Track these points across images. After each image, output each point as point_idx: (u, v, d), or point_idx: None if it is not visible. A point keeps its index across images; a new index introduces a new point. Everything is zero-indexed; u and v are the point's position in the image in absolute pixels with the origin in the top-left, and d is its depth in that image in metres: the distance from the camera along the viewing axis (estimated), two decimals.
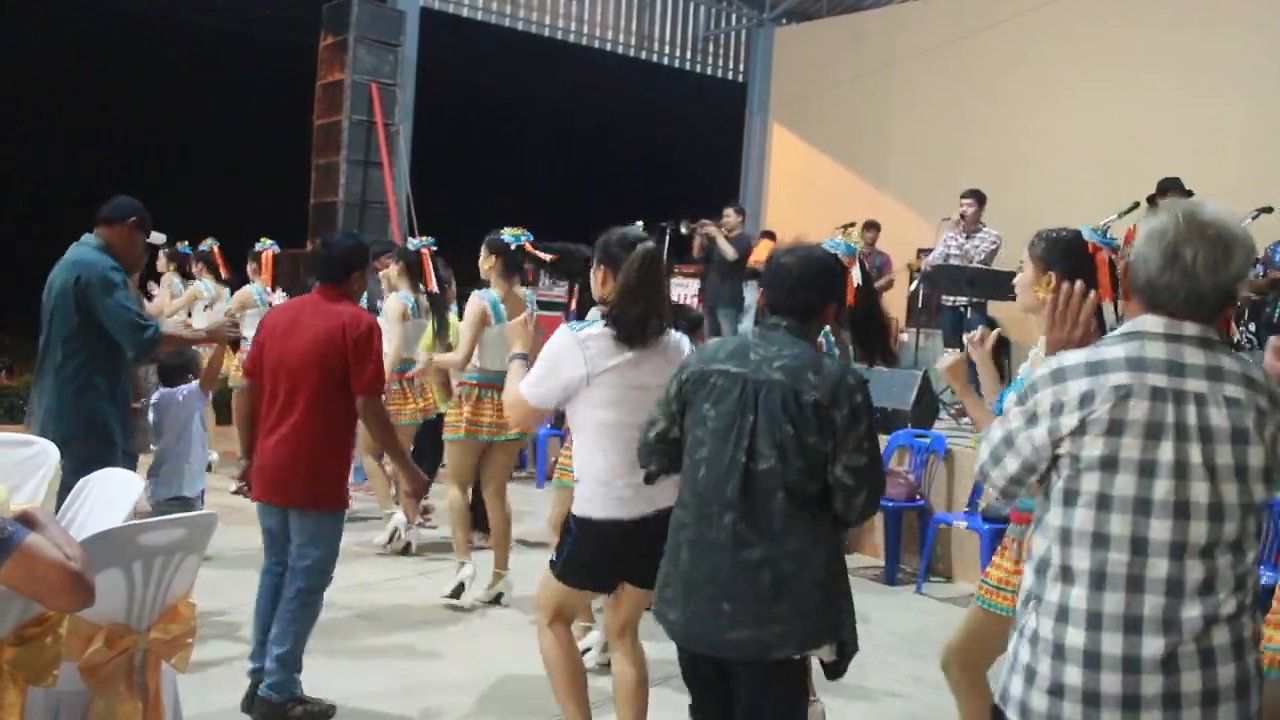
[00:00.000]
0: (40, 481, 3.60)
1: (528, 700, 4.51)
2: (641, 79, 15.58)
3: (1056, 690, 2.15)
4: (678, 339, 3.66)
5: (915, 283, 10.66)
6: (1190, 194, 8.45)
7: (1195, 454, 2.11)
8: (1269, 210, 7.99)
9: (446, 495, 5.87)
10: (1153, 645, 2.10)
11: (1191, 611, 2.11)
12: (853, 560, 7.28)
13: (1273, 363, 3.28)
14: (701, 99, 16.05)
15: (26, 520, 2.27)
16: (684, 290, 11.29)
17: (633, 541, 3.52)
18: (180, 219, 8.06)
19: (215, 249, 8.96)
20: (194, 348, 5.66)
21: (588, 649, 4.85)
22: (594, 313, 3.85)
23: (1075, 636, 2.15)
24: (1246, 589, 2.16)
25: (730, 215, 11.20)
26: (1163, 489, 2.11)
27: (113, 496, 3.31)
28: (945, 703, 4.70)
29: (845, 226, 11.02)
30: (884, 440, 7.30)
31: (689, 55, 16.09)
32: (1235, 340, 7.66)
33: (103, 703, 2.71)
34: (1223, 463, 2.12)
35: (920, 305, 10.92)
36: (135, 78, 13.21)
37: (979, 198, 9.40)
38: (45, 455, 3.67)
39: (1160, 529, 2.11)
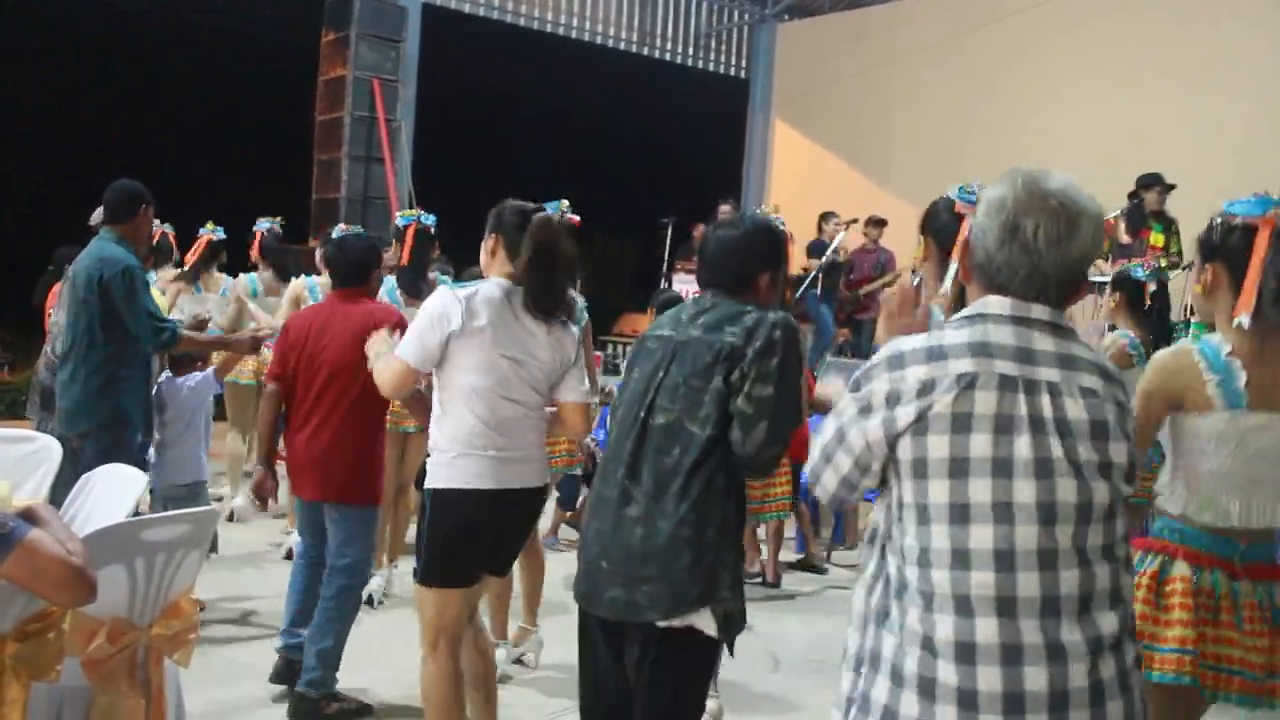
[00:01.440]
0: (42, 477, 3.60)
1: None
2: (643, 75, 15.57)
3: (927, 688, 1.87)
4: (571, 326, 3.58)
5: (917, 279, 10.63)
6: (1172, 188, 8.48)
7: (1056, 448, 1.87)
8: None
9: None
10: (1037, 678, 1.83)
11: (1072, 635, 1.85)
12: (856, 555, 7.28)
13: None
14: (703, 95, 16.04)
15: (30, 516, 2.27)
16: (686, 287, 11.27)
17: (488, 515, 3.41)
18: (182, 215, 8.04)
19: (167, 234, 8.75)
20: None
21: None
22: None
23: (947, 672, 1.85)
24: (1126, 602, 1.93)
25: (726, 211, 11.20)
26: (1024, 490, 1.86)
27: (115, 492, 3.32)
28: None
29: (847, 223, 11.06)
30: None
31: (691, 51, 16.07)
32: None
33: (105, 698, 2.71)
34: (1087, 458, 1.88)
35: (915, 281, 10.88)
36: (137, 75, 13.23)
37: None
38: (47, 451, 3.67)
39: (1026, 538, 1.85)
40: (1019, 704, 1.82)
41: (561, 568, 5.67)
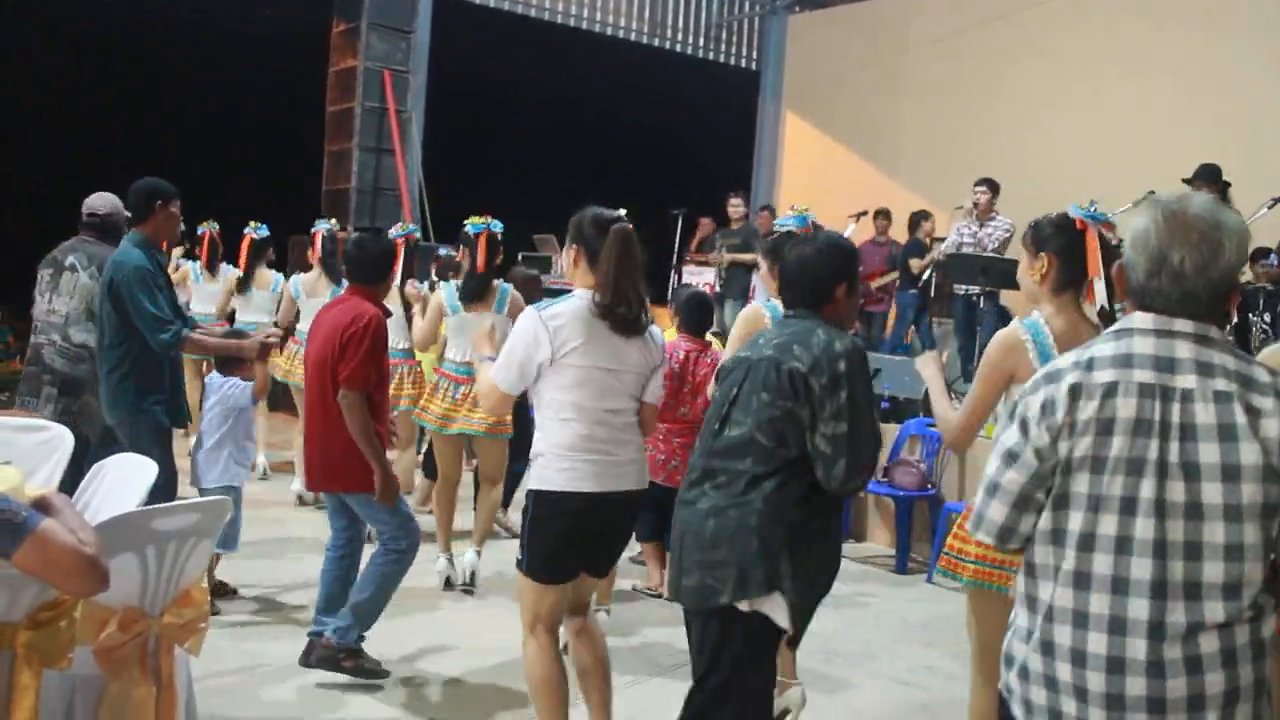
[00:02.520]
0: (54, 466, 3.63)
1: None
2: (654, 66, 15.53)
3: (1051, 684, 2.14)
4: (652, 329, 3.64)
5: (928, 271, 10.63)
6: (1227, 185, 8.39)
7: (1174, 453, 2.05)
8: None
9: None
10: (1135, 647, 2.06)
11: (1176, 616, 2.05)
12: (864, 549, 7.29)
13: None
14: (714, 86, 15.99)
15: (43, 506, 2.28)
16: (697, 279, 11.26)
17: (589, 518, 3.48)
18: (193, 206, 8.06)
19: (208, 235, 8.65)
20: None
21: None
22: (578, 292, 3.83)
23: (1062, 635, 2.13)
24: (1241, 600, 2.07)
25: (736, 204, 11.20)
26: (1148, 488, 2.06)
27: (127, 480, 3.33)
28: (955, 691, 4.72)
29: (857, 215, 11.03)
30: (895, 429, 7.29)
31: (702, 43, 16.04)
32: (1249, 330, 7.62)
33: (117, 686, 2.73)
34: (1206, 461, 2.05)
35: (933, 294, 10.88)
36: (145, 67, 13.22)
37: (992, 186, 9.37)
38: (60, 440, 3.69)
39: (1144, 528, 2.06)
40: (1120, 667, 2.07)
41: None
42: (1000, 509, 2.21)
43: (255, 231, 8.10)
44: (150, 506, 2.94)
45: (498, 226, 5.71)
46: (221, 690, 4.27)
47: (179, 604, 2.87)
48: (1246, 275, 7.80)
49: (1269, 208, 7.95)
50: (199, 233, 8.50)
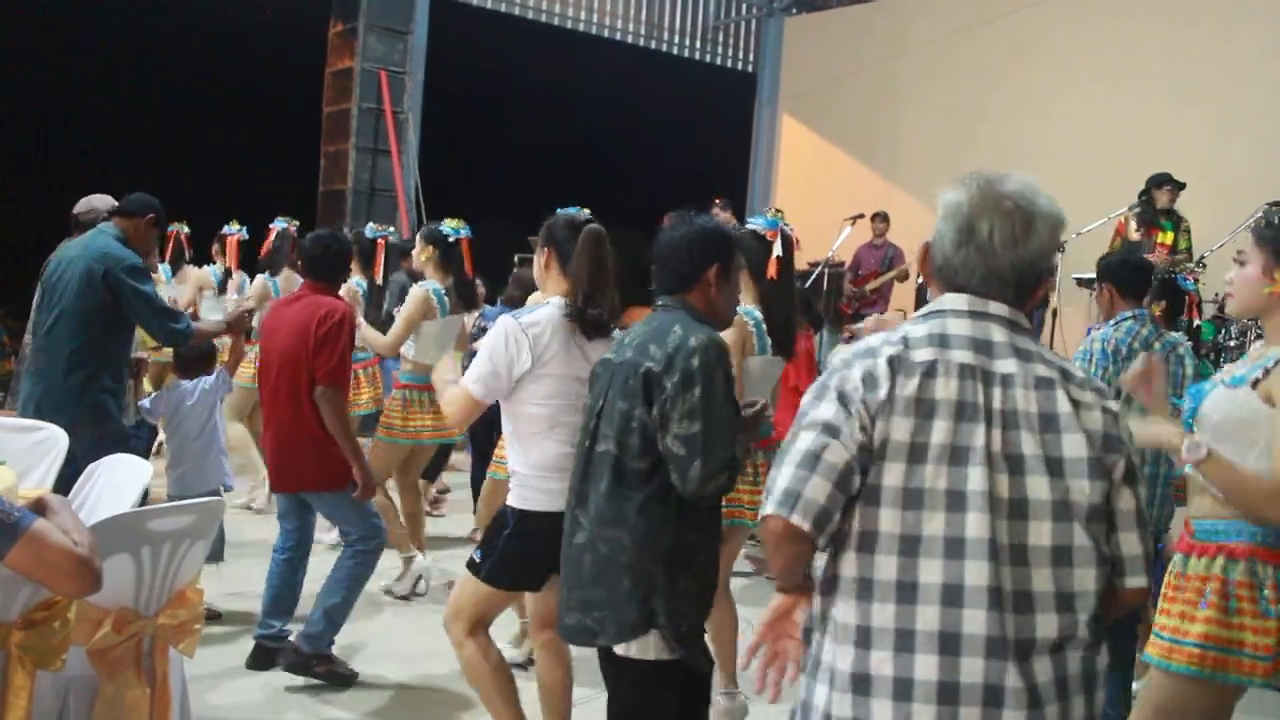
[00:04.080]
0: (49, 466, 3.62)
1: None
2: (650, 68, 15.53)
3: None
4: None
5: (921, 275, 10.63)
6: (1182, 186, 8.44)
7: (996, 441, 1.85)
8: None
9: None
10: (973, 669, 1.81)
11: (1009, 632, 1.82)
12: None
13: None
14: (710, 89, 15.99)
15: (38, 507, 2.27)
16: None
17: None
18: (190, 206, 8.07)
19: (174, 235, 8.67)
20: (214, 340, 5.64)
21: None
22: (534, 298, 3.79)
23: (882, 664, 1.84)
24: (1075, 614, 1.85)
25: (717, 210, 11.18)
26: (976, 480, 1.83)
27: (121, 482, 3.33)
28: None
29: (854, 218, 11.04)
30: None
31: (698, 45, 16.03)
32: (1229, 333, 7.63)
33: (111, 687, 2.72)
34: (1029, 452, 1.86)
35: (929, 297, 10.87)
36: (145, 67, 13.20)
37: None
38: (54, 440, 3.69)
39: (976, 525, 1.82)
40: (954, 694, 1.81)
41: None
42: (822, 486, 1.85)
43: (290, 224, 8.05)
44: (145, 507, 2.94)
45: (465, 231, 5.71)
46: (213, 691, 4.26)
47: (173, 605, 2.86)
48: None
49: (1263, 212, 7.98)
50: (224, 233, 8.49)
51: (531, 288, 6.15)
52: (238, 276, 8.23)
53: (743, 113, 16.06)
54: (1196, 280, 5.65)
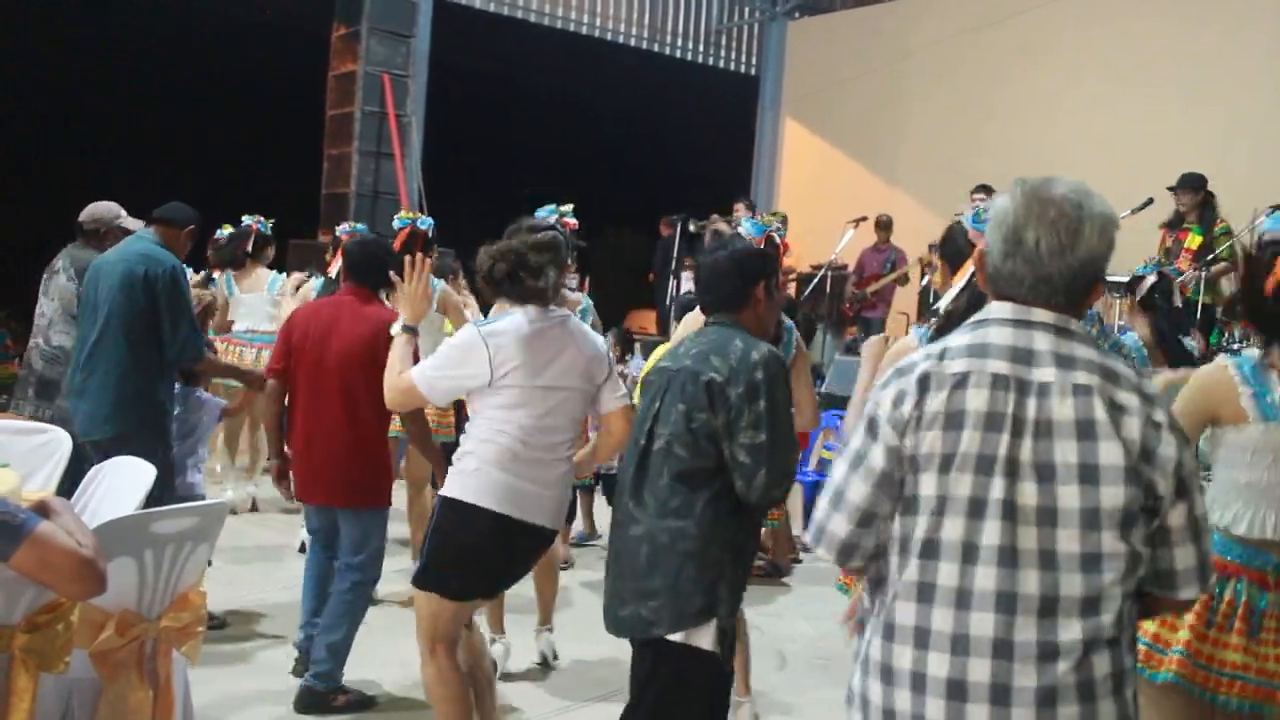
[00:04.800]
0: (52, 470, 3.62)
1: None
2: (653, 72, 15.53)
3: (889, 716, 1.95)
4: (579, 327, 3.54)
5: (927, 278, 10.63)
6: (1211, 194, 8.40)
7: (1026, 450, 1.88)
8: None
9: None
10: (979, 669, 1.87)
11: (1026, 635, 1.86)
12: None
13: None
14: (713, 92, 16.00)
15: (42, 509, 2.27)
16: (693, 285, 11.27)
17: (498, 541, 3.35)
18: (193, 208, 8.05)
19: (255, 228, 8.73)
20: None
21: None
22: (496, 309, 3.77)
23: (902, 657, 1.93)
24: (1100, 617, 1.87)
25: (741, 210, 11.20)
26: (997, 488, 1.88)
27: (125, 484, 3.32)
28: None
29: (857, 221, 11.05)
30: None
31: (701, 48, 16.04)
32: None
33: (114, 690, 2.72)
34: (1062, 460, 1.87)
35: (932, 301, 10.87)
36: (148, 71, 13.21)
37: (991, 194, 9.38)
38: (58, 443, 3.68)
39: (990, 533, 1.88)
40: (961, 691, 1.88)
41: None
42: (842, 523, 1.99)
43: (350, 230, 8.02)
44: (147, 510, 2.93)
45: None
46: (216, 694, 4.26)
47: (176, 607, 2.86)
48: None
49: (1267, 215, 7.94)
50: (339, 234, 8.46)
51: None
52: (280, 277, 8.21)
53: (746, 116, 16.07)
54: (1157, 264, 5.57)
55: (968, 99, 12.82)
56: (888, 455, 1.96)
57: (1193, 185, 8.37)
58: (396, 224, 5.65)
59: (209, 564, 4.99)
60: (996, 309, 2.00)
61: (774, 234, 4.28)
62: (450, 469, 3.45)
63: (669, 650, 2.88)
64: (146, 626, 2.77)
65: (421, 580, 3.44)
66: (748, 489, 2.85)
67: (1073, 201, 1.94)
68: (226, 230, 8.16)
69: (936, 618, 1.90)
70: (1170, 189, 8.47)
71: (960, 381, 1.92)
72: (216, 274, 8.03)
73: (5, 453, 3.42)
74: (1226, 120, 10.51)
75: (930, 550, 1.92)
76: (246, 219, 7.74)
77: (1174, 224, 8.49)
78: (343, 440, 4.25)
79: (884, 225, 11.44)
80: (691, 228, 11.33)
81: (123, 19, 12.77)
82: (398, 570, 5.65)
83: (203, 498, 5.12)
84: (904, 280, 11.20)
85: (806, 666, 5.03)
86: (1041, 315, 1.96)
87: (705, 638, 2.86)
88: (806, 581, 6.59)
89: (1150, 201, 8.54)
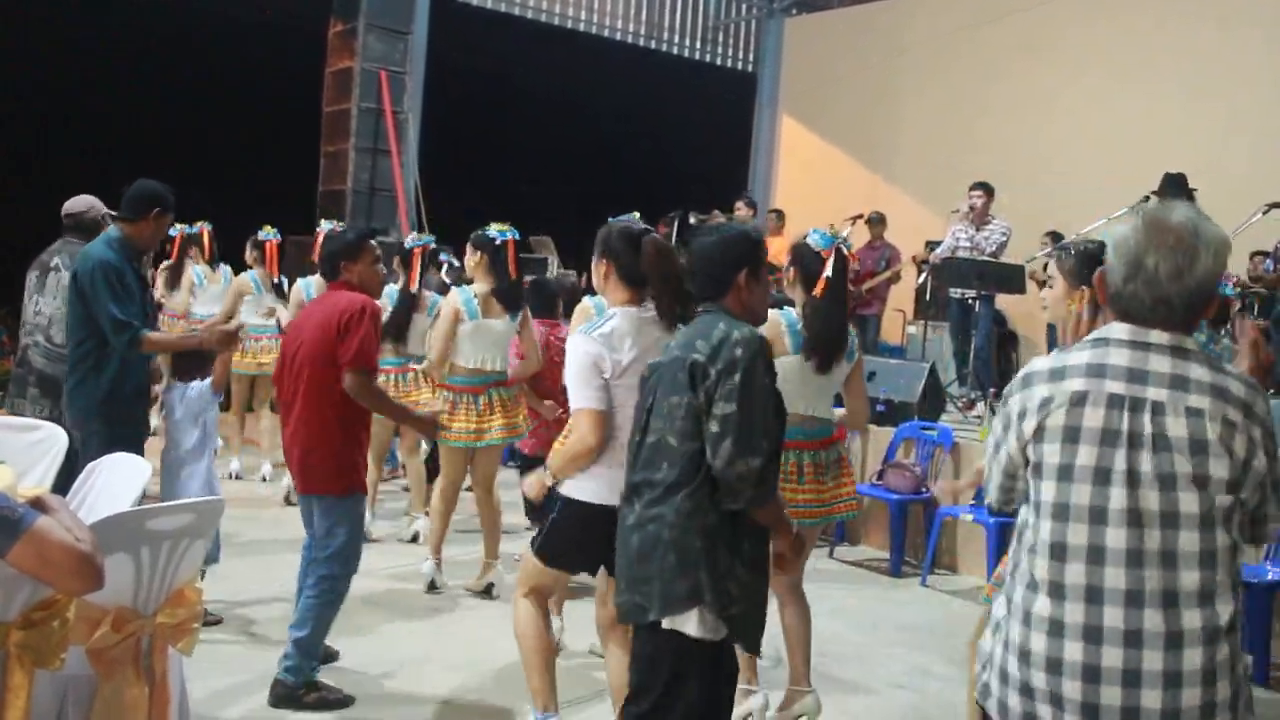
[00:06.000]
0: (49, 465, 3.61)
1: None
2: (651, 69, 15.53)
3: (1026, 691, 2.18)
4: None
5: (923, 275, 10.64)
6: (1192, 192, 8.43)
7: (1146, 462, 2.09)
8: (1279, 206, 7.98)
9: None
10: (1113, 657, 2.10)
11: (1153, 624, 2.09)
12: (858, 552, 7.29)
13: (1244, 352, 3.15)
14: (710, 89, 16.00)
15: (38, 505, 2.27)
16: None
17: (607, 527, 3.40)
18: (189, 205, 8.03)
19: (205, 232, 8.75)
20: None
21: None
22: (582, 308, 3.95)
23: (1038, 642, 2.16)
24: (1215, 608, 2.10)
25: (741, 208, 11.21)
26: (1117, 497, 2.10)
27: (121, 481, 3.32)
28: (950, 695, 4.72)
29: (854, 218, 11.04)
30: (890, 433, 7.29)
31: (699, 45, 16.06)
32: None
33: (110, 686, 2.72)
34: (1181, 471, 2.08)
35: (928, 298, 10.89)
36: (143, 67, 13.18)
37: (988, 190, 9.38)
38: (53, 439, 3.68)
39: (1116, 538, 2.10)
40: (1095, 675, 2.10)
41: None
42: (998, 476, 2.32)
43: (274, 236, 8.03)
44: (144, 507, 2.93)
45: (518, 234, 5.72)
46: (211, 690, 4.26)
47: (172, 604, 2.86)
48: (1243, 278, 7.82)
49: (1263, 213, 7.97)
50: (194, 230, 8.48)
51: (569, 293, 6.19)
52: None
53: (743, 113, 16.08)
54: (1236, 284, 5.55)
55: (964, 95, 12.83)
56: (1012, 456, 2.26)
57: (1177, 187, 8.40)
58: (498, 236, 5.61)
59: (217, 562, 5.05)
60: (1117, 329, 2.18)
61: (842, 246, 4.27)
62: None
63: (661, 636, 2.96)
64: (142, 623, 2.77)
65: (540, 552, 3.73)
66: (713, 457, 2.86)
67: (1189, 229, 2.14)
68: (269, 231, 8.09)
69: (1069, 611, 2.12)
70: (1156, 194, 8.48)
71: (1079, 400, 2.14)
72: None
73: (1, 449, 3.42)
74: (1225, 117, 10.53)
75: (1059, 552, 2.15)
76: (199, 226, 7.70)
77: None
78: (305, 426, 4.30)
79: (878, 222, 11.43)
80: (692, 221, 11.32)
81: (123, 19, 12.75)
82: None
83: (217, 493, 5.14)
84: (896, 278, 11.21)
85: (816, 662, 5.02)
86: (1158, 337, 2.14)
87: (690, 623, 2.91)
88: (807, 580, 6.59)
89: (1147, 199, 8.55)
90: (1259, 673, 5.52)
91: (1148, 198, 8.54)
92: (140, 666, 2.78)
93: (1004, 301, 9.47)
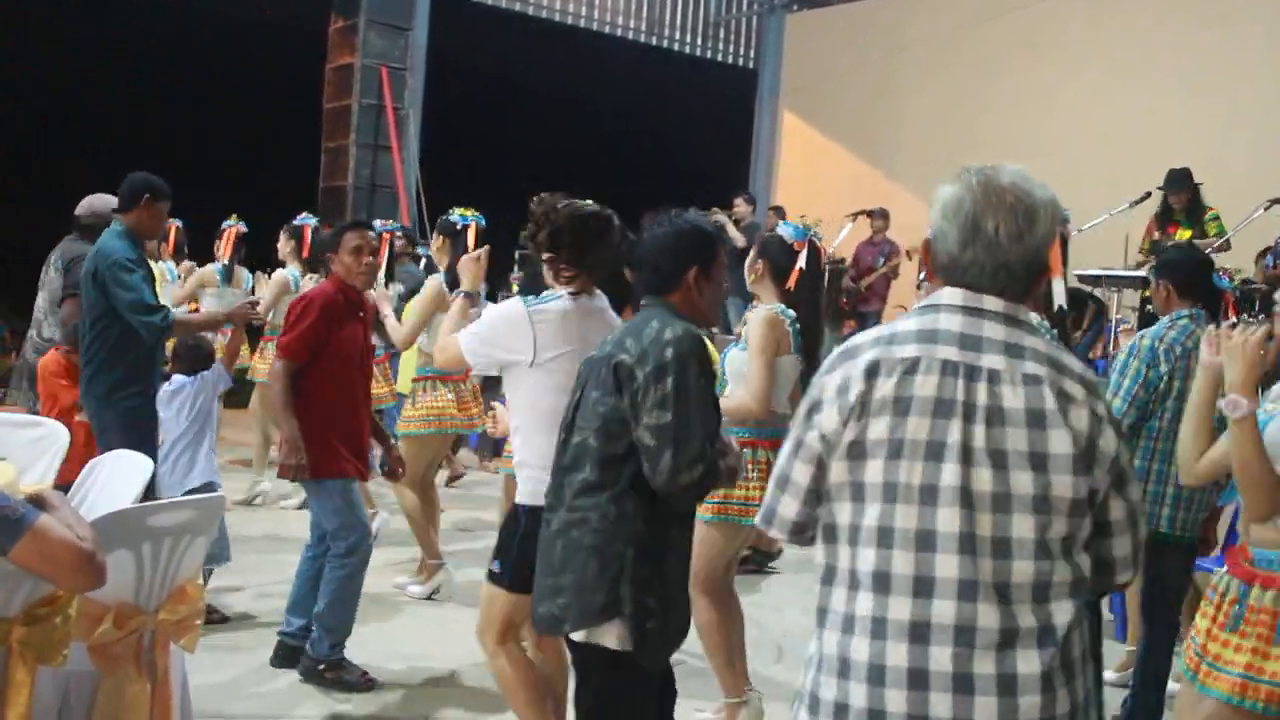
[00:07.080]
0: (49, 463, 3.61)
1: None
2: (651, 65, 15.53)
3: (841, 712, 1.91)
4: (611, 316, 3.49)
5: (921, 271, 10.62)
6: (1197, 186, 8.41)
7: (979, 437, 1.87)
8: None
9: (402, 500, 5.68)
10: (941, 657, 1.85)
11: (986, 620, 1.85)
12: None
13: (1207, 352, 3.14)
14: (711, 85, 15.99)
15: (39, 502, 2.27)
16: None
17: None
18: (190, 202, 8.03)
19: (174, 227, 8.66)
20: (206, 334, 5.65)
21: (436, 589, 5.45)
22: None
23: (860, 648, 1.90)
24: (1049, 605, 1.88)
25: (740, 205, 11.21)
26: (950, 474, 1.87)
27: (123, 477, 3.32)
28: None
29: (855, 215, 11.04)
30: None
31: (699, 41, 16.04)
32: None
33: (111, 683, 2.72)
34: (1015, 448, 1.87)
35: (925, 292, 10.88)
36: (146, 64, 13.20)
37: None
38: (54, 436, 3.68)
39: (947, 520, 1.86)
40: (923, 680, 1.86)
41: None
42: (792, 504, 2.01)
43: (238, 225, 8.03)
44: (146, 503, 2.93)
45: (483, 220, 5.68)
46: (213, 686, 4.27)
47: (174, 600, 2.86)
48: (1247, 274, 7.79)
49: (1265, 209, 7.96)
50: (223, 227, 8.45)
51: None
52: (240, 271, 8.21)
53: (744, 109, 16.06)
54: (1232, 279, 5.54)
55: (965, 92, 12.81)
56: (823, 438, 1.95)
57: (1183, 181, 8.40)
58: (460, 220, 5.60)
59: (228, 560, 5.05)
60: (947, 295, 1.98)
61: (814, 239, 4.24)
62: (520, 477, 3.41)
63: (580, 650, 2.81)
64: (144, 619, 2.78)
65: (514, 582, 3.33)
66: (654, 473, 2.67)
67: (1023, 187, 1.96)
68: (310, 218, 8.02)
69: (894, 607, 1.88)
70: (1161, 189, 8.48)
71: (910, 367, 1.91)
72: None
73: (2, 446, 3.42)
74: (1226, 113, 10.51)
75: (885, 539, 1.89)
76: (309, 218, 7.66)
77: (1163, 217, 8.50)
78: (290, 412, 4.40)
79: (880, 217, 11.43)
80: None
81: (123, 19, 12.76)
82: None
83: (217, 485, 5.15)
84: (893, 273, 11.20)
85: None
86: (992, 303, 1.96)
87: (609, 636, 2.73)
88: (804, 573, 6.59)
89: (1148, 195, 8.55)
90: (1119, 627, 5.54)
91: (1149, 192, 8.56)
92: (142, 663, 2.79)
93: None
